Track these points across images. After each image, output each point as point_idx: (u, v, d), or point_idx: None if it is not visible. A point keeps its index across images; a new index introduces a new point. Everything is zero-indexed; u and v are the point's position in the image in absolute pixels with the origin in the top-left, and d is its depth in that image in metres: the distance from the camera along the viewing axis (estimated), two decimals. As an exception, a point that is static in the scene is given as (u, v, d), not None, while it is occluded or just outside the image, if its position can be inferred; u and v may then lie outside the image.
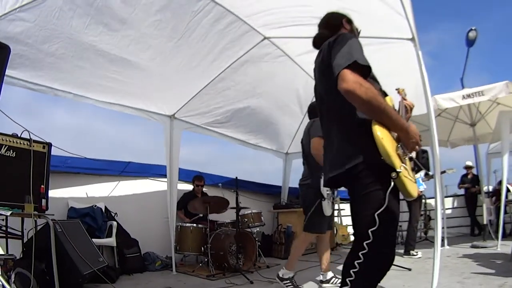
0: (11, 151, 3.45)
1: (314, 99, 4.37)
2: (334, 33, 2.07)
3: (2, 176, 3.34)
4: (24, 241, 3.67)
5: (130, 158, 6.32)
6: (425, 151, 6.55)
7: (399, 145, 1.77)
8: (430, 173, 6.05)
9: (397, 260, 5.13)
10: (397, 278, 4.18)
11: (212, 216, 5.80)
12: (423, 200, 7.72)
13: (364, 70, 1.77)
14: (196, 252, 5.60)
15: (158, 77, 4.73)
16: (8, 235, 3.66)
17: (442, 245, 6.40)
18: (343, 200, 8.30)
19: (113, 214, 5.69)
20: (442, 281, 3.33)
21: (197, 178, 6.63)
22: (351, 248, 1.83)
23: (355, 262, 1.72)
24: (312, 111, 4.37)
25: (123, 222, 5.71)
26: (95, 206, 5.40)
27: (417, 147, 1.82)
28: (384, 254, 1.77)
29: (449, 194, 10.06)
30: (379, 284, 1.80)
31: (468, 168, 9.62)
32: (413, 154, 1.91)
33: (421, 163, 6.14)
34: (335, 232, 7.94)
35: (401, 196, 1.82)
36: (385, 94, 2.06)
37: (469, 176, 9.57)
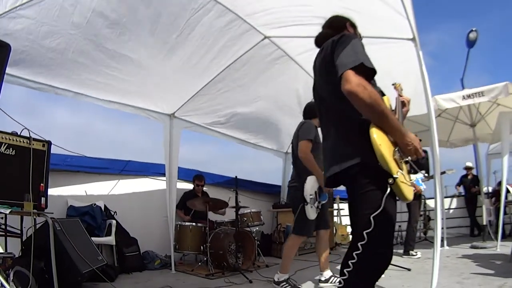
0: (11, 149, 3.45)
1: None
2: (338, 33, 2.07)
3: (2, 174, 3.34)
4: (23, 240, 3.67)
5: (130, 157, 6.34)
6: (424, 152, 6.56)
7: (396, 149, 1.77)
8: (426, 174, 6.05)
9: (397, 260, 5.17)
10: (396, 278, 4.19)
11: (212, 216, 5.79)
12: (423, 201, 7.73)
13: (368, 72, 1.77)
14: (195, 251, 5.60)
15: (157, 75, 4.72)
16: (7, 233, 3.65)
17: (442, 245, 6.41)
18: (342, 199, 8.31)
19: (112, 213, 5.69)
20: (441, 282, 3.33)
21: (197, 177, 6.62)
22: (348, 247, 1.84)
23: (349, 262, 1.74)
24: (307, 111, 4.36)
25: (122, 221, 5.70)
26: (95, 204, 5.40)
27: (415, 155, 1.81)
28: (379, 254, 1.78)
29: (448, 195, 10.06)
30: (378, 284, 1.81)
31: (468, 169, 9.63)
32: (410, 157, 1.91)
33: (421, 163, 6.14)
34: (334, 232, 7.95)
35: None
36: (382, 94, 2.06)
37: (469, 177, 9.58)
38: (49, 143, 3.86)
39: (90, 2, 3.43)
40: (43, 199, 3.59)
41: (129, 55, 4.20)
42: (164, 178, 5.89)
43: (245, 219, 6.02)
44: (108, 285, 4.06)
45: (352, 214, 1.92)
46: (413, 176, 5.68)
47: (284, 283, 3.91)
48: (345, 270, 1.75)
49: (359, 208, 1.82)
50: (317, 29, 2.33)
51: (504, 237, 6.78)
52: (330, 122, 2.00)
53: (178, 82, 5.04)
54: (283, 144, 7.95)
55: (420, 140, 1.84)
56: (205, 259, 5.39)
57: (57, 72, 4.09)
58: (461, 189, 9.99)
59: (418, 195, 6.24)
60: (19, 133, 3.58)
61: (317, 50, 2.16)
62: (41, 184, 3.62)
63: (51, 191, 4.08)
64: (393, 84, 2.30)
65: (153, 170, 6.60)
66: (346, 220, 8.47)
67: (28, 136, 3.64)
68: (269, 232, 7.62)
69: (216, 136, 6.68)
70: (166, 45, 4.25)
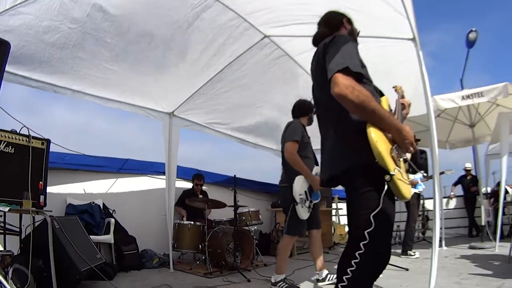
0: (10, 147, 3.45)
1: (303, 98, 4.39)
2: (334, 32, 2.07)
3: (1, 172, 3.35)
4: (22, 237, 3.67)
5: (129, 155, 6.35)
6: (423, 152, 6.57)
7: (393, 147, 1.77)
8: (426, 174, 6.06)
9: (395, 260, 5.18)
10: (394, 278, 4.19)
11: (210, 214, 5.80)
12: (421, 201, 7.73)
13: (357, 74, 1.78)
14: (193, 249, 5.60)
15: (157, 72, 4.71)
16: (6, 231, 3.66)
17: (440, 245, 6.41)
18: (340, 199, 8.32)
19: (111, 211, 5.69)
20: (439, 282, 3.34)
21: (197, 177, 6.62)
22: (346, 246, 1.85)
23: (352, 262, 1.73)
24: (295, 109, 4.37)
25: (121, 219, 5.71)
26: (93, 203, 5.40)
27: (411, 148, 1.82)
28: (380, 254, 1.79)
29: (447, 195, 10.07)
30: (377, 283, 1.82)
31: (467, 170, 9.64)
32: (408, 156, 1.91)
33: (420, 163, 6.15)
34: (332, 231, 7.96)
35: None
36: (381, 94, 2.06)
37: (468, 178, 9.59)
38: (48, 141, 3.86)
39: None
40: (42, 197, 3.60)
41: (128, 48, 4.15)
42: (163, 177, 5.89)
43: (243, 218, 6.02)
44: (107, 284, 4.07)
45: (350, 215, 1.93)
46: (411, 175, 5.70)
47: (281, 282, 3.91)
48: (348, 270, 1.74)
49: (358, 208, 1.82)
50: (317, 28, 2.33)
51: (503, 238, 6.79)
52: (329, 123, 2.00)
53: (178, 81, 5.03)
54: (283, 143, 7.91)
55: (419, 140, 1.84)
56: (203, 257, 5.40)
57: (57, 68, 4.06)
58: (456, 189, 10.00)
59: (417, 195, 6.26)
60: (18, 131, 3.58)
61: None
62: (40, 182, 3.62)
63: (50, 189, 4.07)
64: (393, 87, 2.30)
65: (152, 168, 6.61)
66: (344, 220, 8.45)
67: (27, 134, 3.64)
68: (267, 231, 7.62)
69: (216, 135, 6.67)
70: (164, 38, 4.21)
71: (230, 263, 5.08)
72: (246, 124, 6.66)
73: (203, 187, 6.71)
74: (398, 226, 7.87)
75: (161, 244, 5.99)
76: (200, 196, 6.43)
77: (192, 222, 5.66)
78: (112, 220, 5.38)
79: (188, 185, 6.79)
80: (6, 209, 3.16)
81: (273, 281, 3.97)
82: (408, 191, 1.79)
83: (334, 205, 8.37)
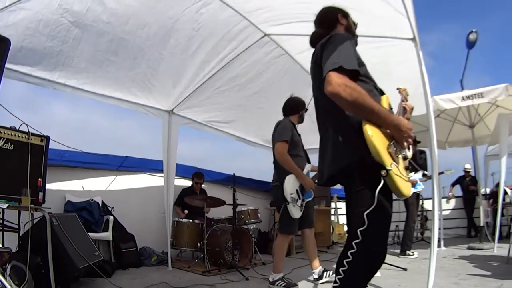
0: (9, 143, 3.45)
1: (293, 95, 4.39)
2: (330, 30, 2.07)
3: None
4: (20, 234, 3.66)
5: (128, 153, 6.34)
6: (423, 152, 6.57)
7: (391, 143, 1.76)
8: (427, 173, 6.06)
9: (393, 259, 5.19)
10: (392, 278, 4.20)
11: (209, 212, 5.80)
12: (420, 201, 7.73)
13: (352, 72, 1.78)
14: (192, 248, 5.61)
15: (157, 69, 4.70)
16: (4, 228, 3.66)
17: (439, 246, 6.41)
18: (339, 198, 8.32)
19: (110, 209, 5.69)
20: (438, 282, 3.34)
21: (197, 175, 6.61)
22: (344, 246, 1.85)
23: (344, 261, 1.74)
24: (286, 107, 4.38)
25: (119, 217, 5.70)
26: (92, 200, 5.40)
27: (410, 140, 1.81)
28: (373, 253, 1.78)
29: (446, 195, 10.06)
30: (374, 283, 1.81)
31: (466, 171, 9.64)
32: (409, 153, 1.90)
33: (419, 163, 6.15)
34: (331, 230, 7.96)
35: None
36: (381, 93, 2.05)
37: (467, 179, 9.59)
38: (47, 138, 3.86)
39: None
40: (40, 194, 3.59)
41: (127, 38, 4.12)
42: (162, 175, 5.88)
43: (242, 216, 6.02)
44: (105, 281, 4.07)
45: (347, 213, 1.93)
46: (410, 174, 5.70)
47: (279, 281, 3.92)
48: (340, 269, 1.75)
49: (354, 206, 1.82)
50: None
51: (501, 239, 6.79)
52: (327, 122, 2.00)
53: (177, 78, 5.03)
54: (282, 142, 7.90)
55: (419, 142, 1.84)
56: (202, 256, 5.39)
57: (58, 61, 4.05)
58: (455, 190, 10.00)
59: (416, 195, 6.26)
60: (17, 128, 3.57)
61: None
62: (39, 179, 3.62)
63: (49, 186, 4.07)
64: (397, 89, 2.28)
65: (151, 166, 6.60)
66: (343, 219, 8.47)
67: (27, 131, 3.63)
68: (266, 229, 7.63)
69: (215, 133, 6.68)
70: (162, 29, 4.19)
71: (229, 262, 5.09)
72: (245, 123, 6.66)
73: (202, 185, 6.70)
74: (397, 226, 7.87)
75: (159, 242, 5.99)
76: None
77: (191, 220, 5.66)
78: (111, 217, 5.38)
79: (187, 183, 6.79)
80: (5, 205, 3.15)
81: (271, 280, 3.98)
82: (406, 188, 1.78)
83: (333, 204, 8.37)
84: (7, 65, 3.36)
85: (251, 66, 5.13)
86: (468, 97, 5.97)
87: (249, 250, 5.56)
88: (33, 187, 3.50)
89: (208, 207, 5.77)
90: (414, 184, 5.98)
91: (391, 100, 2.02)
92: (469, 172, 9.60)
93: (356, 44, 2.06)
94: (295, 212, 3.85)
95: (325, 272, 4.11)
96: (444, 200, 9.41)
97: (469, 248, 6.72)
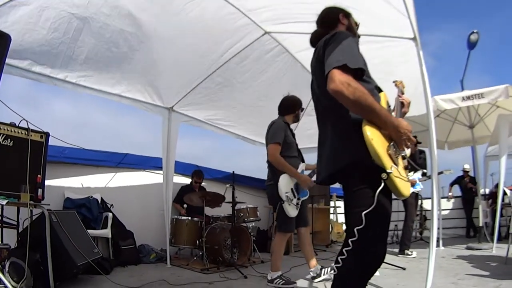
0: (9, 140, 3.45)
1: (289, 94, 4.37)
2: (331, 30, 2.06)
3: (-1, 165, 3.34)
4: (19, 231, 3.66)
5: (128, 150, 6.34)
6: (422, 152, 6.57)
7: (391, 144, 1.76)
8: (426, 171, 6.06)
9: (392, 259, 5.19)
10: (391, 277, 4.20)
11: (208, 210, 5.80)
12: (419, 200, 7.74)
13: (357, 71, 1.77)
14: (191, 245, 5.62)
15: (157, 66, 4.69)
16: (3, 225, 3.66)
17: (437, 245, 6.41)
18: (338, 197, 8.32)
19: (109, 206, 5.70)
20: (436, 282, 3.33)
21: (197, 174, 6.61)
22: (342, 245, 1.85)
23: (339, 258, 1.75)
24: (281, 106, 4.35)
25: (118, 214, 5.70)
26: (91, 197, 5.40)
27: (409, 143, 1.80)
28: (370, 252, 1.78)
29: (445, 195, 10.07)
30: (373, 282, 1.81)
31: (465, 171, 9.65)
32: (408, 152, 1.89)
33: (418, 163, 6.15)
34: (330, 229, 7.97)
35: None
36: (379, 90, 2.05)
37: (465, 179, 9.60)
38: (47, 135, 3.86)
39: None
40: (40, 190, 3.59)
41: (127, 29, 4.08)
42: (161, 172, 5.88)
43: (241, 214, 6.03)
44: (103, 278, 4.07)
45: (346, 212, 1.93)
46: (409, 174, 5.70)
47: (278, 279, 3.92)
48: (335, 266, 1.77)
49: (352, 205, 1.83)
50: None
51: (500, 239, 6.79)
52: (327, 121, 1.99)
53: (178, 75, 5.02)
54: (282, 141, 7.90)
55: (420, 143, 1.83)
56: (200, 253, 5.39)
57: (58, 55, 4.01)
58: (454, 190, 10.00)
59: (415, 195, 6.27)
60: (17, 124, 3.57)
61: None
62: (38, 176, 3.62)
63: (48, 183, 4.07)
64: (394, 82, 2.27)
65: (151, 163, 6.59)
66: (342, 218, 8.47)
67: (27, 127, 3.63)
68: (265, 228, 7.62)
69: (215, 131, 6.66)
70: (166, 34, 4.21)
71: (227, 259, 5.09)
72: (245, 121, 6.65)
73: (202, 183, 6.70)
74: (396, 225, 7.88)
75: (158, 239, 6.00)
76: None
77: (189, 218, 5.67)
78: (110, 214, 5.39)
79: (187, 180, 6.78)
80: (4, 202, 3.16)
81: (269, 278, 3.98)
82: (406, 188, 1.78)
83: (332, 203, 8.38)
84: (7, 60, 3.35)
85: (251, 64, 5.11)
86: (468, 98, 5.97)
87: (248, 248, 5.56)
88: (33, 184, 3.51)
89: (208, 206, 5.76)
90: (413, 184, 5.99)
91: (389, 98, 2.02)
92: (468, 172, 9.61)
93: (358, 44, 2.05)
94: (291, 210, 3.86)
95: (323, 270, 4.12)
96: (443, 200, 9.42)
97: (468, 248, 6.73)
